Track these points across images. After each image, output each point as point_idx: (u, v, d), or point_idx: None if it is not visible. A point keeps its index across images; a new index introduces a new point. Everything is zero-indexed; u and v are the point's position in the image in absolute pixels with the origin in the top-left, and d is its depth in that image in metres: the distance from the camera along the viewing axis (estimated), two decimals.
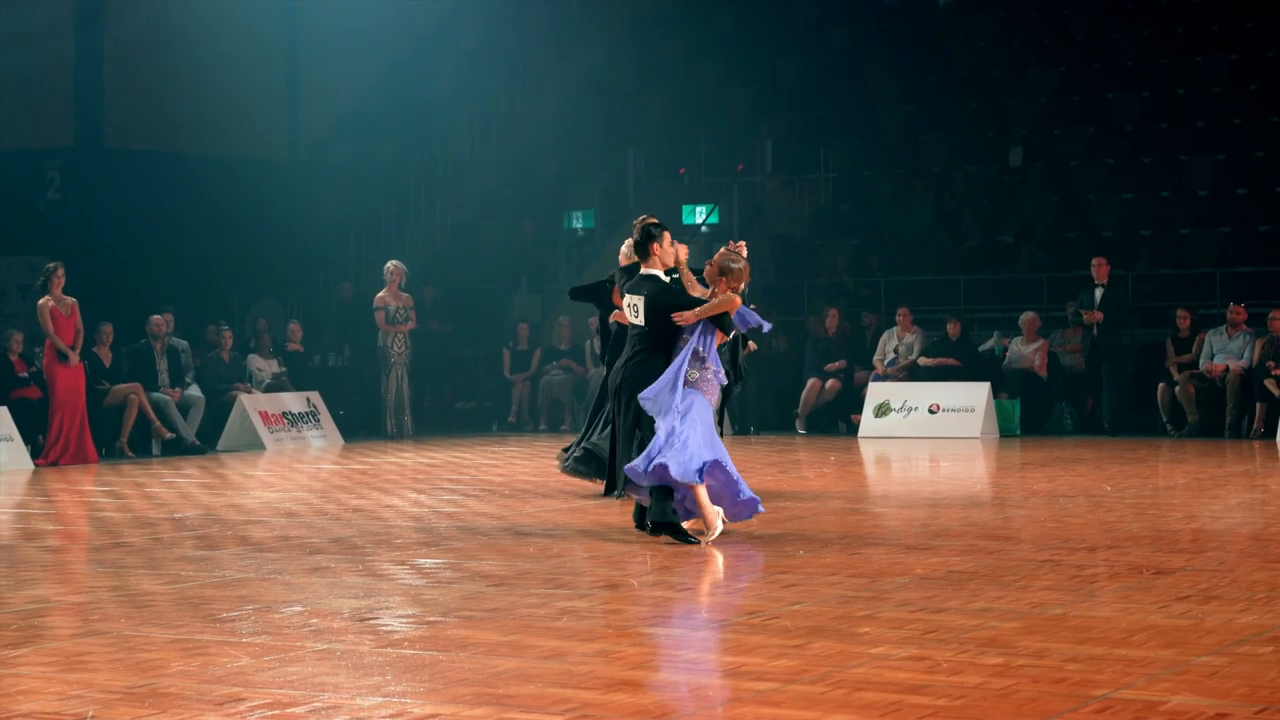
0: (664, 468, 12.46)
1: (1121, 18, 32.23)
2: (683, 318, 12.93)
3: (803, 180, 31.97)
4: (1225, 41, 31.08)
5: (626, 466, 12.83)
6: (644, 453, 12.70)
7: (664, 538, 12.77)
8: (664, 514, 12.70)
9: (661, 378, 12.80)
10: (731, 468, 12.77)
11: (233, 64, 32.03)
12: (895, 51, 33.82)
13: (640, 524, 13.30)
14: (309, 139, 34.97)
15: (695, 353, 12.87)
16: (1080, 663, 8.14)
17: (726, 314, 12.97)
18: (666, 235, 13.51)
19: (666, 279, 13.40)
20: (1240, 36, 31.06)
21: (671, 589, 10.80)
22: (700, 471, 12.51)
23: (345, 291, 30.63)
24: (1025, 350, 25.95)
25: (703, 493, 12.68)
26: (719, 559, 12.06)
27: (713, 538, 12.70)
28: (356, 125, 34.81)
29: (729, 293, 12.96)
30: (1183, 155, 29.43)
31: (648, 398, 12.77)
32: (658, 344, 13.16)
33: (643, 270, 13.42)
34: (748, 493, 12.90)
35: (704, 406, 12.79)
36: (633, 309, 13.27)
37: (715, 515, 12.78)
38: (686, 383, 12.79)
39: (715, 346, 13.02)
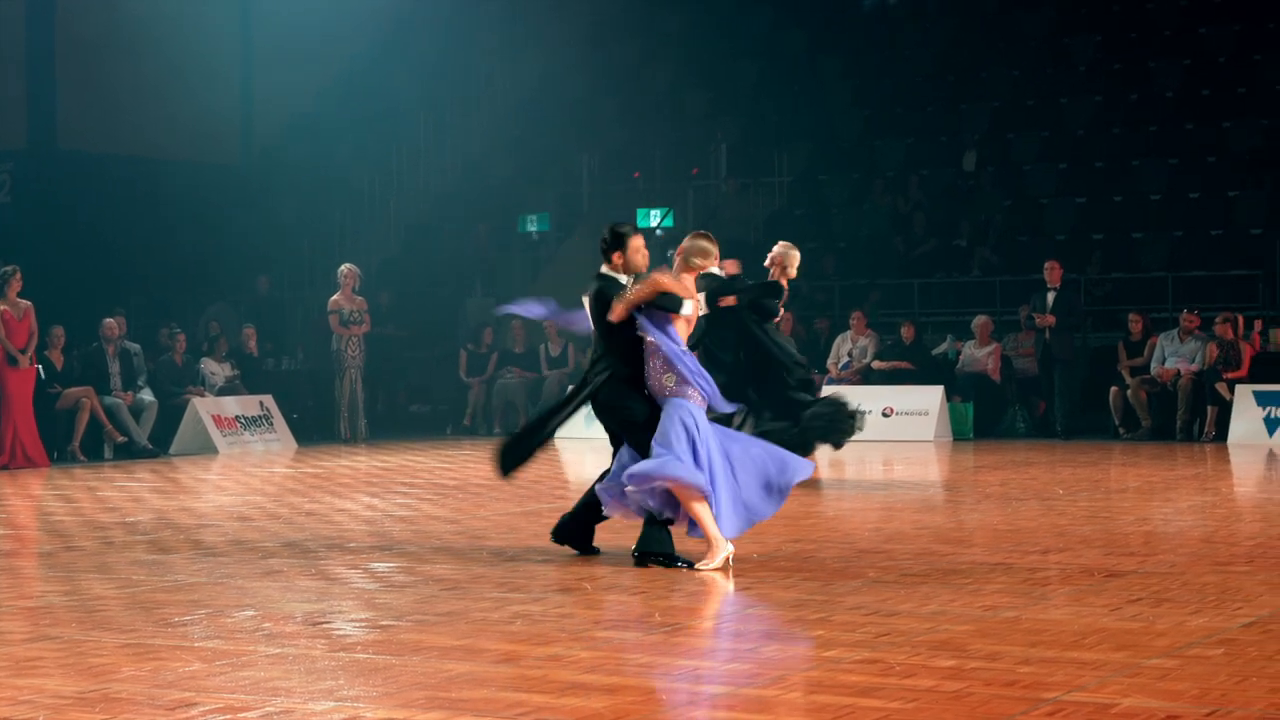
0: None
1: (1075, 23, 32.39)
2: (614, 313, 11.82)
3: (758, 184, 32.04)
4: (1178, 47, 31.27)
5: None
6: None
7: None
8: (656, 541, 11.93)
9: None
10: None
11: (186, 67, 31.95)
12: (850, 56, 33.92)
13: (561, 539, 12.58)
14: (262, 142, 34.90)
15: (660, 355, 11.74)
16: (1032, 665, 8.16)
17: (670, 294, 11.73)
18: (636, 240, 12.17)
19: (621, 278, 12.12)
20: (1193, 42, 31.25)
21: (625, 593, 10.80)
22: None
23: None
24: (978, 354, 26.02)
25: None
26: (674, 564, 12.03)
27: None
28: (310, 128, 34.76)
29: (653, 275, 11.90)
30: (1135, 160, 29.59)
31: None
32: (621, 355, 11.93)
33: (601, 271, 12.24)
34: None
35: (675, 411, 11.68)
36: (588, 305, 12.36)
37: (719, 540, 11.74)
38: (670, 392, 11.74)
39: (678, 338, 11.77)
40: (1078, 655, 8.42)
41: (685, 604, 10.38)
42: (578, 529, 12.51)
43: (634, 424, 11.87)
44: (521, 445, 12.57)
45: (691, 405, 11.72)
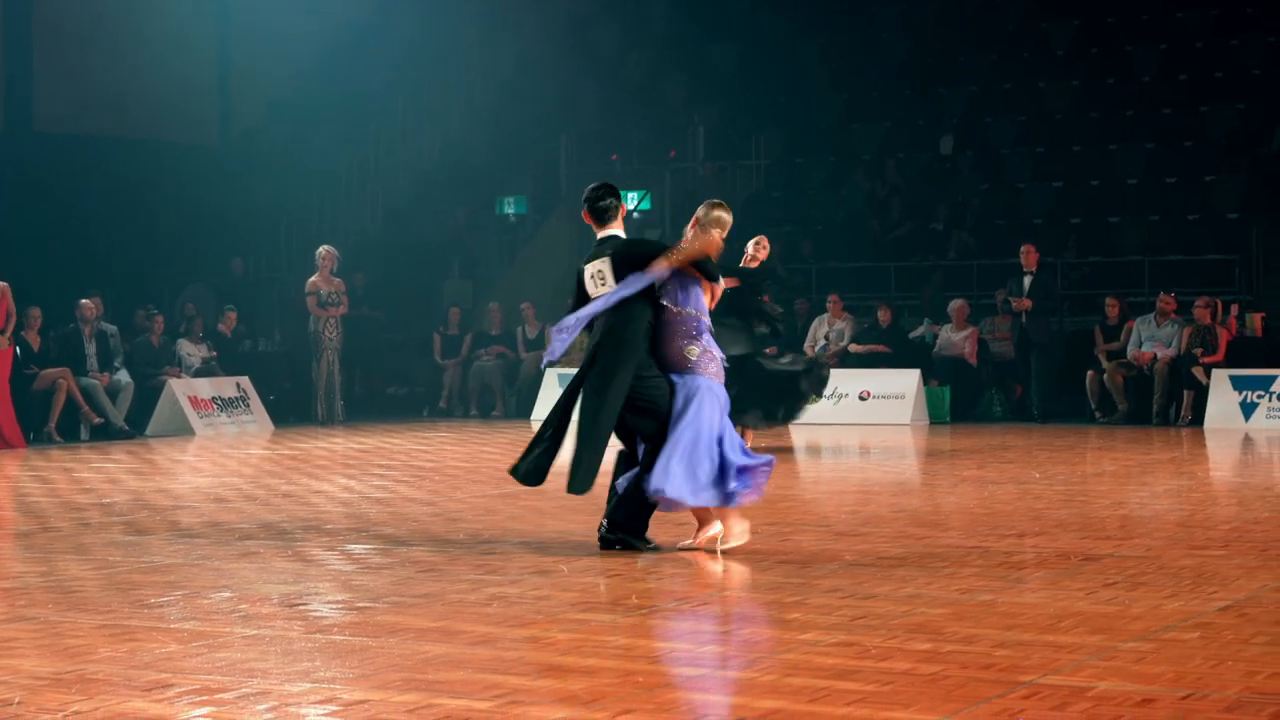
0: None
1: (1053, 7, 32.43)
2: (656, 267, 11.29)
3: (735, 166, 32.05)
4: (1155, 32, 31.31)
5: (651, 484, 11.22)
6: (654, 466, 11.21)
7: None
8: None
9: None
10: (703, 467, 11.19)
11: (164, 48, 31.85)
12: (828, 39, 33.91)
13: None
14: (240, 124, 34.81)
15: (679, 320, 11.39)
16: (1008, 648, 8.17)
17: (709, 260, 11.37)
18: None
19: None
20: (1170, 27, 31.28)
21: (601, 575, 10.80)
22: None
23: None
24: (955, 337, 26.06)
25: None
26: (649, 547, 12.02)
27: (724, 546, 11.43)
28: (288, 110, 34.68)
29: (708, 233, 11.67)
30: (1112, 144, 29.63)
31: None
32: (637, 324, 11.39)
33: (601, 234, 11.79)
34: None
35: (708, 399, 11.30)
36: (597, 277, 11.54)
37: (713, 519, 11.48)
38: (691, 366, 11.36)
39: (705, 308, 11.43)
40: (1054, 638, 8.43)
41: (662, 586, 10.38)
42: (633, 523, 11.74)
43: (653, 408, 11.36)
44: (541, 451, 11.62)
45: (717, 386, 11.38)
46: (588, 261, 11.75)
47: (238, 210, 31.76)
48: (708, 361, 11.43)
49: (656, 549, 11.64)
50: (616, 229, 11.79)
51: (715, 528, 11.53)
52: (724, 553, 11.38)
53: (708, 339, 11.44)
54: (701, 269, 11.38)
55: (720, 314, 15.18)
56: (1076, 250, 27.92)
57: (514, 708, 7.10)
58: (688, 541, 11.65)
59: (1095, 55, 31.41)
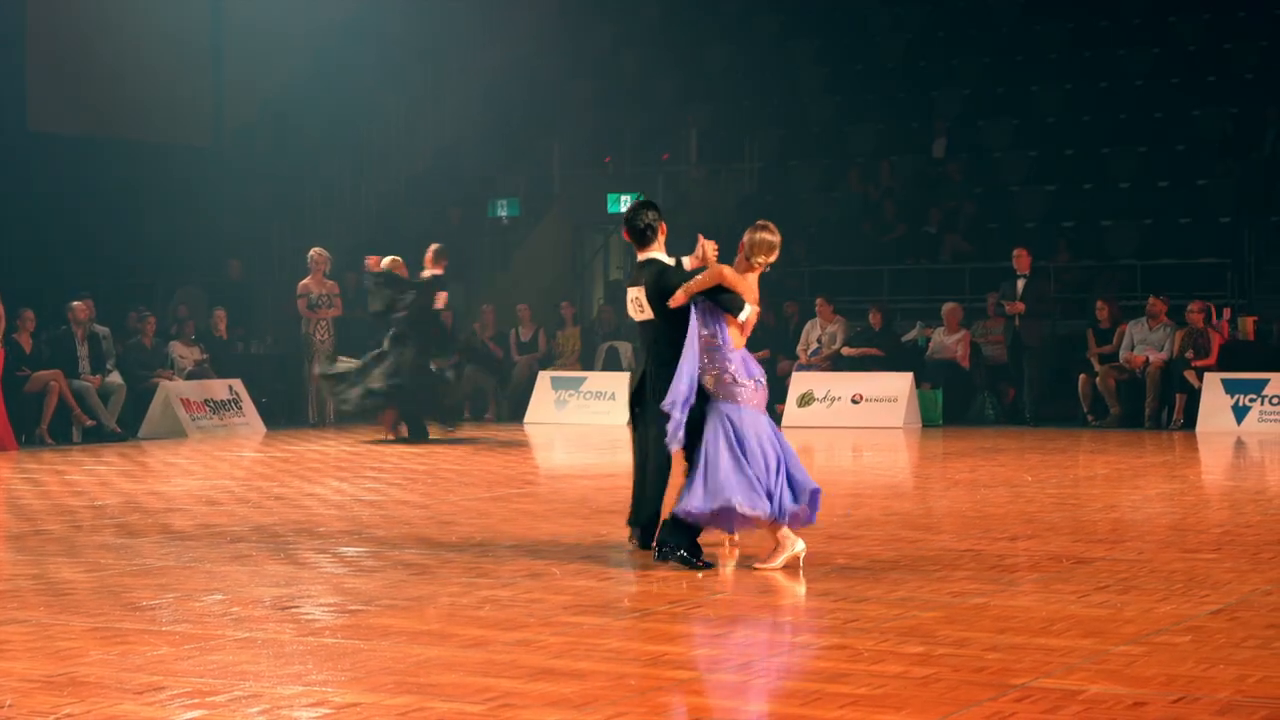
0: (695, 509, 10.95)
1: (1046, 10, 32.44)
2: (673, 300, 11.14)
3: (728, 169, 32.02)
4: (1147, 35, 31.35)
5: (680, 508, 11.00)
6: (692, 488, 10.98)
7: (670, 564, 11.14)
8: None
9: (673, 388, 10.99)
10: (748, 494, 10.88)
11: (157, 49, 31.82)
12: (822, 42, 33.92)
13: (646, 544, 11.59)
14: (233, 125, 34.77)
15: (706, 348, 11.11)
16: (1000, 652, 8.18)
17: (728, 291, 11.05)
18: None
19: (670, 261, 11.52)
20: (1162, 30, 31.33)
21: (594, 578, 10.80)
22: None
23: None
24: (947, 340, 26.05)
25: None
26: (638, 549, 12.01)
27: (777, 562, 11.00)
28: (281, 112, 34.66)
29: (716, 264, 11.22)
30: (1105, 148, 29.65)
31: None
32: (675, 346, 11.15)
33: (641, 256, 11.64)
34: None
35: (730, 420, 11.02)
36: (635, 303, 11.51)
37: (788, 538, 11.06)
38: (711, 392, 11.06)
39: (729, 337, 11.12)
40: (1045, 642, 8.44)
41: (654, 589, 10.37)
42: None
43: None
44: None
45: (730, 408, 11.00)
46: (630, 283, 11.68)
47: (230, 212, 31.73)
48: (733, 388, 11.06)
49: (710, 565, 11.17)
50: (656, 251, 11.52)
51: (793, 547, 11.07)
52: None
53: (735, 366, 11.07)
54: (718, 301, 11.11)
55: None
56: (1069, 253, 27.93)
57: (506, 711, 7.11)
58: (765, 563, 11.08)
59: (1088, 59, 31.44)
